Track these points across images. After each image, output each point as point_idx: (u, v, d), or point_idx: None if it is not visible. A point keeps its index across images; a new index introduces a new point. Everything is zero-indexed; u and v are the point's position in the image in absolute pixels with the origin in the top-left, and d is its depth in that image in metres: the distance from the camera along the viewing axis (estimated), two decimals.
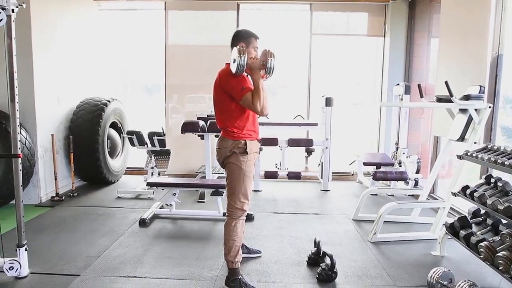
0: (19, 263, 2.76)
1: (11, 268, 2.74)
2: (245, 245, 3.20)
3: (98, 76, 6.15)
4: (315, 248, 3.10)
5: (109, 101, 5.46)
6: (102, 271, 2.92)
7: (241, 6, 6.21)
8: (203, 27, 6.19)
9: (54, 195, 4.81)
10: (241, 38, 2.72)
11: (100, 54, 6.21)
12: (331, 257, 2.81)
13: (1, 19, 2.54)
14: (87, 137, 5.13)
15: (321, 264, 2.90)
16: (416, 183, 5.05)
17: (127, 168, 6.28)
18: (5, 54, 2.63)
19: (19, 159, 2.79)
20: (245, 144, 2.64)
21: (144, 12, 6.63)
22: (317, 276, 2.85)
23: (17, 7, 2.64)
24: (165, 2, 6.17)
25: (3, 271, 2.74)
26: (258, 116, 2.80)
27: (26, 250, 2.82)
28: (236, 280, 2.64)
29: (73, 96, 5.37)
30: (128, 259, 3.14)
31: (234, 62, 2.52)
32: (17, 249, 2.78)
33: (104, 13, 6.40)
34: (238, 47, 2.54)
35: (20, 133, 4.30)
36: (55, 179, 4.85)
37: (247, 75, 2.64)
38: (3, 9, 2.54)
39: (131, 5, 6.41)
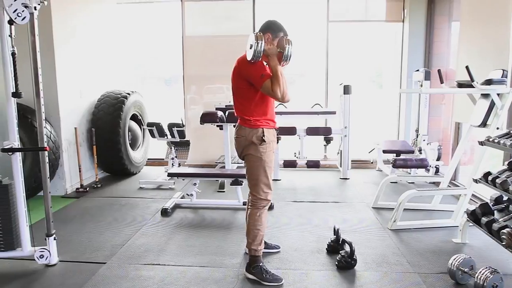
0: (49, 251, 2.88)
1: (42, 256, 2.87)
2: (264, 240, 3.24)
3: (117, 69, 6.26)
4: (335, 236, 3.13)
5: (129, 94, 5.56)
6: (127, 259, 3.03)
7: None
8: (220, 17, 6.20)
9: (79, 186, 4.97)
10: (269, 29, 2.68)
11: (118, 47, 6.30)
12: (350, 244, 2.83)
13: (25, 17, 2.61)
14: (109, 130, 5.25)
15: (340, 252, 2.92)
16: (437, 171, 4.99)
17: (148, 159, 6.41)
18: (29, 51, 2.71)
19: (46, 152, 2.87)
20: (263, 132, 2.66)
21: (161, 5, 6.70)
22: (336, 263, 2.88)
23: (39, 4, 2.72)
24: None
25: (34, 259, 2.87)
26: (277, 105, 2.81)
27: (55, 239, 2.94)
28: (257, 267, 2.69)
29: (94, 90, 5.49)
30: (152, 248, 3.24)
31: (250, 48, 2.52)
32: (46, 238, 2.90)
33: (122, 7, 6.47)
34: (255, 32, 2.54)
35: (45, 127, 4.44)
36: (80, 171, 5.00)
37: (266, 64, 2.64)
38: (26, 7, 2.61)
39: None
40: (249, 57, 2.55)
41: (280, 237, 3.42)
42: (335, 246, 3.09)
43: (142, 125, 6.07)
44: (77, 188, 4.95)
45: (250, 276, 2.70)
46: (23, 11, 2.60)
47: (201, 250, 3.19)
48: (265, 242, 3.09)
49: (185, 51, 6.31)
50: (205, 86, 6.49)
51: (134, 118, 5.88)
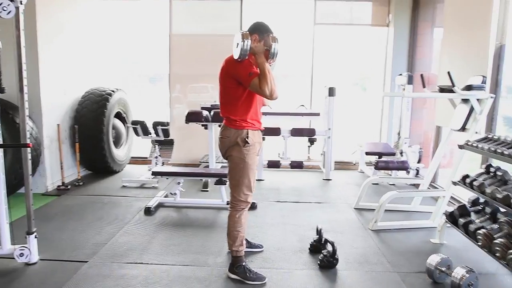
0: (29, 250, 2.84)
1: (22, 254, 2.83)
2: (247, 239, 3.25)
3: (102, 66, 6.18)
4: (317, 236, 3.18)
5: (113, 91, 5.51)
6: (109, 258, 3.01)
7: None
8: (207, 16, 6.19)
9: (60, 184, 4.90)
10: (257, 31, 2.69)
11: (103, 44, 6.23)
12: (332, 244, 2.88)
13: (10, 11, 2.57)
14: (92, 127, 5.19)
15: (322, 251, 2.97)
16: (417, 173, 5.10)
17: (131, 157, 6.35)
18: (14, 46, 2.67)
19: (28, 148, 2.83)
20: (247, 134, 2.68)
21: (148, 2, 6.64)
22: (319, 262, 2.92)
23: None
24: None
25: (14, 258, 2.82)
26: (263, 106, 2.83)
27: (35, 237, 2.90)
28: (240, 267, 2.72)
29: (77, 87, 5.41)
30: (135, 246, 3.23)
31: (237, 46, 2.54)
32: (27, 236, 2.86)
33: (108, 3, 6.39)
34: (241, 31, 2.55)
35: (27, 123, 4.37)
36: (61, 169, 4.93)
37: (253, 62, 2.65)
38: (12, 1, 2.57)
39: None
40: (235, 56, 2.56)
41: (263, 237, 3.45)
42: (318, 246, 3.14)
43: (126, 123, 6.02)
44: (58, 186, 4.87)
45: (233, 276, 2.73)
46: (8, 5, 2.57)
47: (185, 249, 3.19)
48: (248, 242, 3.13)
49: (171, 49, 6.28)
50: (191, 85, 6.47)
51: (118, 115, 5.82)
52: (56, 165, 4.92)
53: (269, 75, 2.52)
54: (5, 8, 2.58)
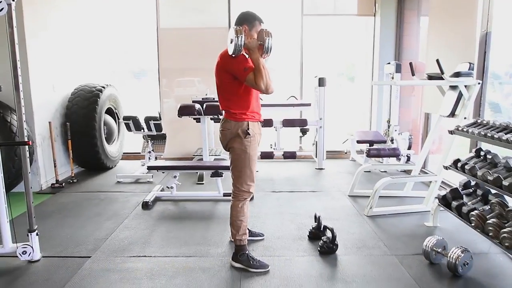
0: (32, 247, 2.85)
1: (24, 252, 2.83)
2: (248, 229, 3.31)
3: (89, 62, 6.12)
4: (316, 223, 3.25)
5: (103, 87, 5.47)
6: (112, 252, 3.03)
7: None
8: (195, 10, 6.15)
9: (54, 182, 4.87)
10: (245, 21, 2.72)
11: (90, 40, 6.16)
12: (332, 230, 2.96)
13: (2, 8, 2.55)
14: (84, 124, 5.16)
15: (322, 238, 3.05)
16: (408, 159, 5.22)
17: (123, 153, 6.34)
18: (8, 43, 2.65)
19: (27, 146, 2.82)
20: (248, 125, 2.72)
21: None
22: (319, 248, 3.00)
23: None
24: None
25: (17, 256, 2.83)
26: (262, 98, 2.86)
27: (37, 234, 2.90)
28: (244, 255, 2.77)
29: (67, 83, 5.36)
30: (136, 240, 3.25)
31: (231, 42, 2.56)
32: (29, 234, 2.86)
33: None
34: (235, 26, 2.57)
35: (17, 121, 4.33)
36: (55, 166, 4.89)
37: (248, 57, 2.68)
38: None
39: None
40: (230, 52, 2.58)
41: (262, 226, 3.51)
42: (317, 233, 3.21)
43: (118, 119, 5.99)
44: (52, 184, 4.85)
45: (237, 265, 2.78)
46: (0, 2, 2.53)
47: (186, 241, 3.23)
48: (249, 230, 3.18)
49: (160, 43, 6.24)
50: (181, 78, 6.45)
51: (109, 111, 5.80)
52: (49, 163, 4.89)
53: (264, 70, 2.55)
54: None
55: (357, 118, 6.83)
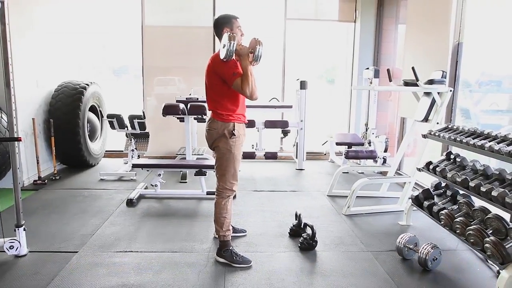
0: (19, 242, 2.89)
1: (11, 247, 2.87)
2: (232, 225, 3.44)
3: (73, 59, 6.12)
4: (296, 221, 3.40)
5: (87, 85, 5.49)
6: (99, 248, 3.10)
7: None
8: (180, 8, 6.21)
9: (37, 178, 4.86)
10: (224, 24, 2.84)
11: (75, 36, 6.15)
12: (312, 228, 3.12)
13: None
14: (67, 121, 5.17)
15: (302, 234, 3.20)
16: (385, 161, 5.45)
17: (106, 151, 6.35)
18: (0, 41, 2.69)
19: (16, 142, 2.87)
20: (233, 126, 2.85)
21: None
22: (299, 245, 3.15)
23: None
24: None
25: (4, 251, 2.87)
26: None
27: (24, 229, 2.95)
28: (227, 251, 2.90)
29: (50, 80, 5.36)
30: (122, 236, 3.33)
31: (224, 47, 2.68)
32: (16, 229, 2.90)
33: None
34: (228, 33, 2.68)
35: (2, 118, 4.33)
36: (37, 163, 4.89)
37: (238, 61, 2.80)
38: None
39: None
40: (221, 56, 2.70)
41: (244, 223, 3.64)
42: (297, 230, 3.36)
43: (102, 117, 6.01)
44: (34, 180, 4.84)
45: (221, 260, 2.90)
46: None
47: (171, 237, 3.33)
48: (232, 227, 3.31)
49: (144, 41, 6.28)
50: (162, 77, 6.50)
51: (92, 109, 5.81)
52: (32, 160, 4.89)
53: (251, 77, 2.68)
54: None
55: (337, 121, 7.04)
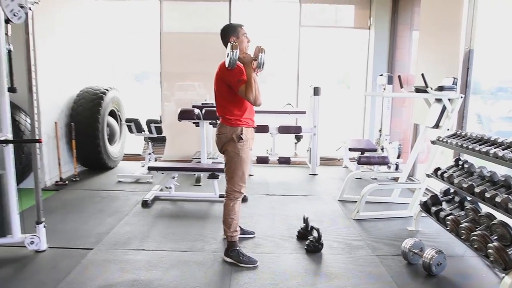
0: (39, 238, 3.06)
1: (32, 242, 3.05)
2: (240, 227, 3.52)
3: (94, 65, 6.37)
4: (304, 224, 3.47)
5: (107, 90, 5.71)
6: (113, 245, 3.25)
7: None
8: (197, 16, 6.39)
9: (58, 179, 5.09)
10: (230, 33, 2.97)
11: (96, 43, 6.41)
12: (317, 230, 3.18)
13: (21, 17, 2.78)
14: (88, 125, 5.38)
15: (309, 237, 3.27)
16: (397, 167, 5.45)
17: (124, 154, 6.56)
18: (24, 48, 2.88)
19: (38, 144, 3.05)
20: (241, 130, 2.96)
21: (138, 3, 6.84)
22: (305, 247, 3.22)
23: (33, 4, 2.89)
24: None
25: (25, 246, 3.05)
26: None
27: (44, 226, 3.12)
28: (234, 251, 2.99)
29: (72, 85, 5.60)
30: (136, 235, 3.47)
31: (227, 56, 2.81)
32: (36, 225, 3.08)
33: (100, 4, 6.57)
34: (231, 43, 2.80)
35: (26, 121, 4.56)
36: (59, 165, 5.12)
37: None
38: (22, 7, 2.78)
39: None
40: (226, 64, 2.82)
41: (254, 226, 3.73)
42: (304, 233, 3.43)
43: (120, 121, 6.22)
44: (56, 181, 5.07)
45: (228, 260, 3.00)
46: (19, 11, 2.77)
47: (182, 237, 3.45)
48: (241, 229, 3.42)
49: (162, 47, 6.48)
50: (182, 82, 6.69)
51: (112, 113, 6.03)
52: (54, 161, 5.11)
53: (254, 84, 2.79)
54: (16, 14, 2.78)
55: (352, 127, 7.07)
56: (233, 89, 2.87)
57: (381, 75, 5.80)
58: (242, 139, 2.94)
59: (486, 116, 5.77)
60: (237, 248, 3.02)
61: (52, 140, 5.09)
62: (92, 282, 2.66)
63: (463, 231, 2.83)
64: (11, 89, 2.87)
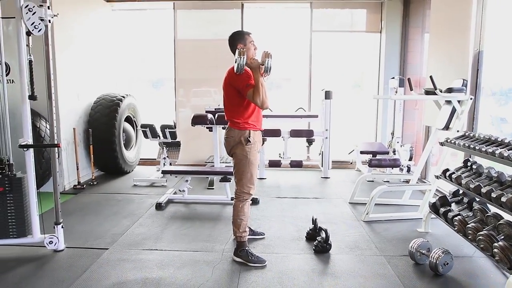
0: (57, 238, 3.21)
1: (51, 242, 3.20)
2: (250, 228, 3.60)
3: (111, 73, 6.58)
4: (313, 225, 3.53)
5: (123, 97, 5.89)
6: (127, 246, 3.37)
7: (245, 5, 6.56)
8: (210, 23, 6.55)
9: (77, 183, 5.28)
10: (237, 40, 3.08)
11: (113, 52, 6.62)
12: (325, 231, 3.24)
13: (41, 29, 2.95)
14: (105, 130, 5.57)
15: (317, 238, 3.32)
16: (409, 170, 5.44)
17: (140, 159, 6.73)
18: (43, 59, 3.05)
19: (57, 148, 3.20)
20: (249, 134, 3.05)
21: (153, 12, 7.05)
22: (314, 248, 3.28)
23: (52, 17, 3.06)
24: (174, 3, 6.55)
25: (44, 246, 3.20)
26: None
27: (62, 227, 3.27)
28: (243, 251, 3.08)
29: (90, 92, 5.81)
30: (149, 236, 3.59)
31: (235, 62, 2.91)
32: (55, 226, 3.23)
33: (116, 14, 6.80)
34: (238, 49, 2.91)
35: (46, 127, 4.76)
36: (77, 169, 5.31)
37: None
38: (42, 20, 2.95)
39: (141, 6, 6.81)
40: (234, 70, 2.92)
41: (264, 227, 3.80)
42: (313, 234, 3.49)
43: (136, 126, 6.40)
44: (74, 185, 5.25)
45: (238, 259, 3.08)
46: (39, 23, 2.94)
47: (194, 238, 3.55)
48: (251, 230, 3.50)
49: (176, 54, 6.65)
50: (196, 88, 6.84)
51: (128, 119, 6.21)
52: (72, 166, 5.30)
53: (261, 88, 2.88)
54: (36, 26, 2.96)
55: (365, 130, 7.08)
56: (241, 94, 2.97)
57: (393, 78, 5.82)
58: (250, 141, 3.03)
59: (497, 117, 5.72)
60: (246, 248, 3.10)
61: (70, 146, 5.29)
62: (106, 280, 2.78)
63: (470, 231, 2.84)
64: (32, 97, 3.04)
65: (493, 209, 3.01)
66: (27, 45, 2.98)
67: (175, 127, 5.72)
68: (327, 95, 5.91)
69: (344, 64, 7.08)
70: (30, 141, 3.11)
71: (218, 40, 6.44)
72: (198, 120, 5.14)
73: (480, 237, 2.67)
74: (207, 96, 6.80)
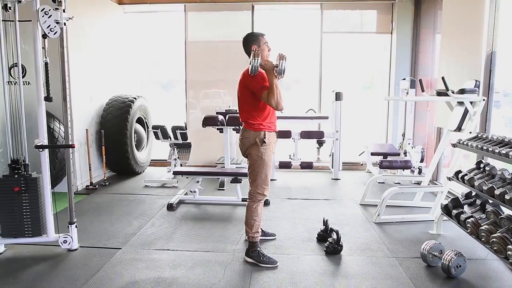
0: (71, 237, 3.26)
1: (65, 241, 3.25)
2: (262, 229, 3.60)
3: (123, 74, 6.65)
4: (324, 226, 3.53)
5: (135, 98, 5.95)
6: (139, 245, 3.41)
7: (255, 6, 6.59)
8: (221, 25, 6.60)
9: (89, 184, 5.34)
10: (251, 42, 3.10)
11: (124, 54, 6.70)
12: (337, 232, 3.24)
13: (56, 32, 3.01)
14: (116, 132, 5.63)
15: (328, 239, 3.32)
16: (420, 171, 5.41)
17: (151, 160, 6.79)
18: (59, 61, 3.10)
19: (71, 149, 3.25)
20: (264, 135, 3.07)
21: (165, 14, 7.12)
22: (325, 249, 3.28)
23: (67, 20, 3.11)
24: (185, 5, 6.60)
25: (59, 245, 3.25)
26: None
27: (76, 227, 3.32)
28: (255, 252, 3.09)
29: (102, 94, 5.88)
30: (161, 236, 3.63)
31: (250, 63, 2.94)
32: (69, 225, 3.28)
33: (128, 16, 6.88)
34: (253, 51, 2.94)
35: (60, 128, 4.83)
36: (90, 170, 5.37)
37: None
38: (57, 22, 3.00)
39: (153, 8, 6.88)
40: (249, 72, 2.95)
41: (275, 228, 3.81)
42: (324, 235, 3.49)
43: (147, 128, 6.46)
44: (87, 186, 5.32)
45: (249, 260, 3.10)
46: (55, 26, 2.99)
47: (205, 238, 3.58)
48: (263, 231, 3.50)
49: (187, 56, 6.69)
50: (207, 90, 6.88)
51: (139, 121, 6.27)
52: (85, 167, 5.37)
53: (276, 90, 2.90)
54: (52, 29, 3.01)
55: (376, 131, 7.06)
56: (256, 95, 2.99)
57: (404, 79, 5.79)
58: (265, 142, 3.05)
59: (511, 118, 5.65)
60: (258, 249, 3.11)
61: (83, 147, 5.36)
62: (119, 279, 2.82)
63: (483, 234, 2.82)
64: (48, 98, 3.09)
65: (506, 211, 2.99)
66: (43, 48, 3.03)
67: (186, 128, 5.76)
68: (338, 96, 5.90)
69: (355, 65, 7.07)
70: (45, 142, 3.16)
71: (228, 42, 6.50)
72: (209, 121, 5.17)
73: (494, 239, 2.65)
74: (217, 98, 6.83)
